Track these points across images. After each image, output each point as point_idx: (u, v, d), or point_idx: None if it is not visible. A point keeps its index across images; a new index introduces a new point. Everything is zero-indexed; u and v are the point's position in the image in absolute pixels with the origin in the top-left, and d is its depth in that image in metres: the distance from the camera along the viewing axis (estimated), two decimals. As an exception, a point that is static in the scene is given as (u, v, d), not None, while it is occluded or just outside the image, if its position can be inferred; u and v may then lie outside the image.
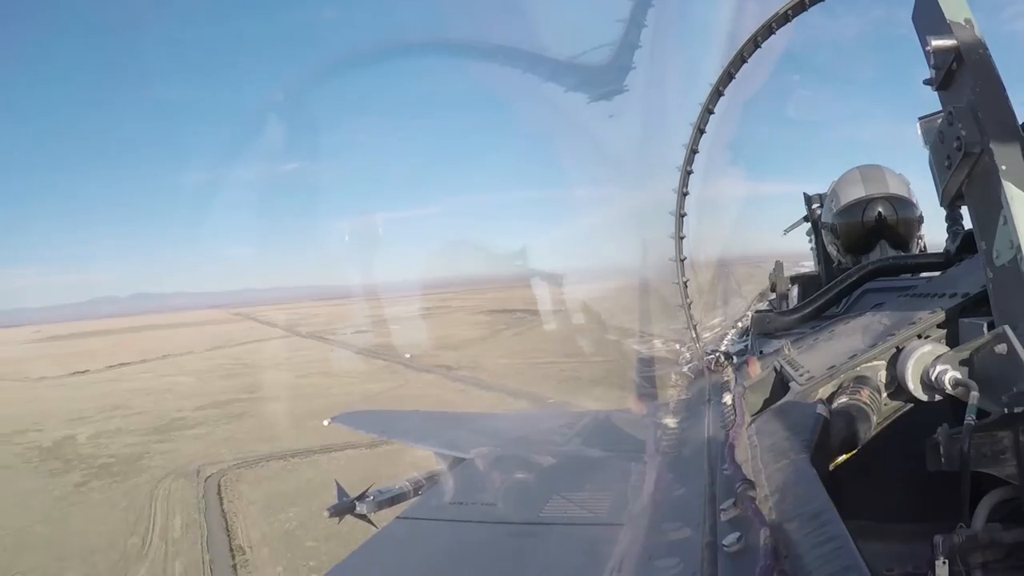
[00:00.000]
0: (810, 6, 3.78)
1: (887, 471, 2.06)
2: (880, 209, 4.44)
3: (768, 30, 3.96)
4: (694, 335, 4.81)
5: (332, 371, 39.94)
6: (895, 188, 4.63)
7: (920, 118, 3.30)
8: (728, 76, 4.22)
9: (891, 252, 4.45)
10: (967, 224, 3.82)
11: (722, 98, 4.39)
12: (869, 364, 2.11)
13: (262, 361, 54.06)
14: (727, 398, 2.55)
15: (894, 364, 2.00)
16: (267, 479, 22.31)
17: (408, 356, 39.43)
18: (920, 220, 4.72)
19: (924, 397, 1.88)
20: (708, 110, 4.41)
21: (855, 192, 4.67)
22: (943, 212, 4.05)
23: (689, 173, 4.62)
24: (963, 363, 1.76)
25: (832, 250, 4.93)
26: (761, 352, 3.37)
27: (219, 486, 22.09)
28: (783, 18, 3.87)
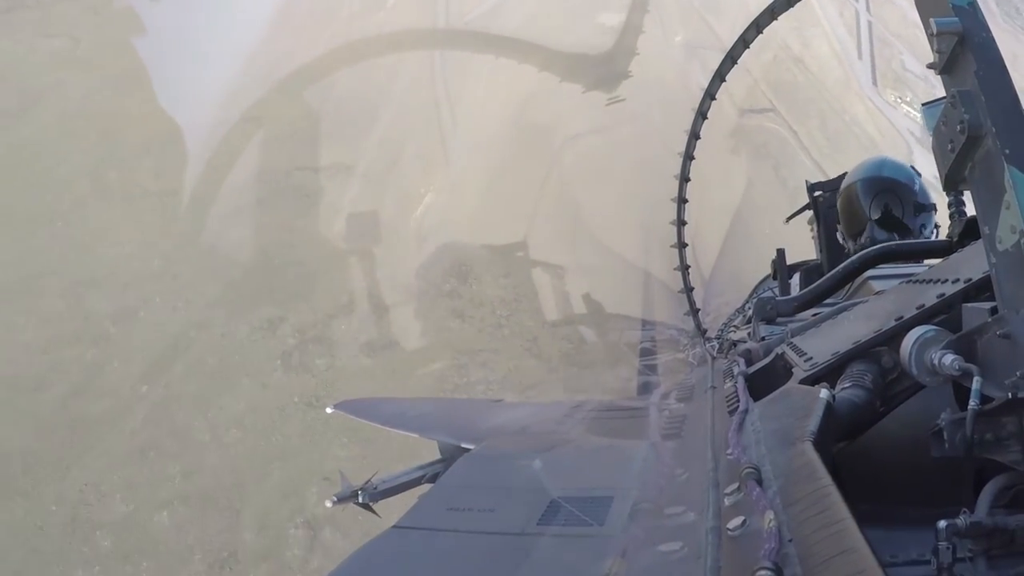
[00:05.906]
0: None
1: (890, 456, 2.07)
2: (887, 201, 4.37)
3: (770, 14, 3.93)
4: (697, 322, 4.82)
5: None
6: (907, 179, 4.50)
7: (924, 104, 3.30)
8: (731, 61, 4.19)
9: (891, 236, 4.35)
10: (970, 210, 3.80)
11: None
12: (872, 350, 2.11)
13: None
14: (730, 384, 2.55)
15: (897, 350, 2.00)
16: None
17: None
18: (931, 208, 4.58)
19: (927, 382, 1.88)
20: (711, 95, 4.38)
21: (864, 172, 4.56)
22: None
23: (691, 159, 4.60)
24: (966, 348, 1.76)
25: (839, 236, 4.83)
26: (763, 338, 3.37)
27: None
28: (786, 3, 3.83)
